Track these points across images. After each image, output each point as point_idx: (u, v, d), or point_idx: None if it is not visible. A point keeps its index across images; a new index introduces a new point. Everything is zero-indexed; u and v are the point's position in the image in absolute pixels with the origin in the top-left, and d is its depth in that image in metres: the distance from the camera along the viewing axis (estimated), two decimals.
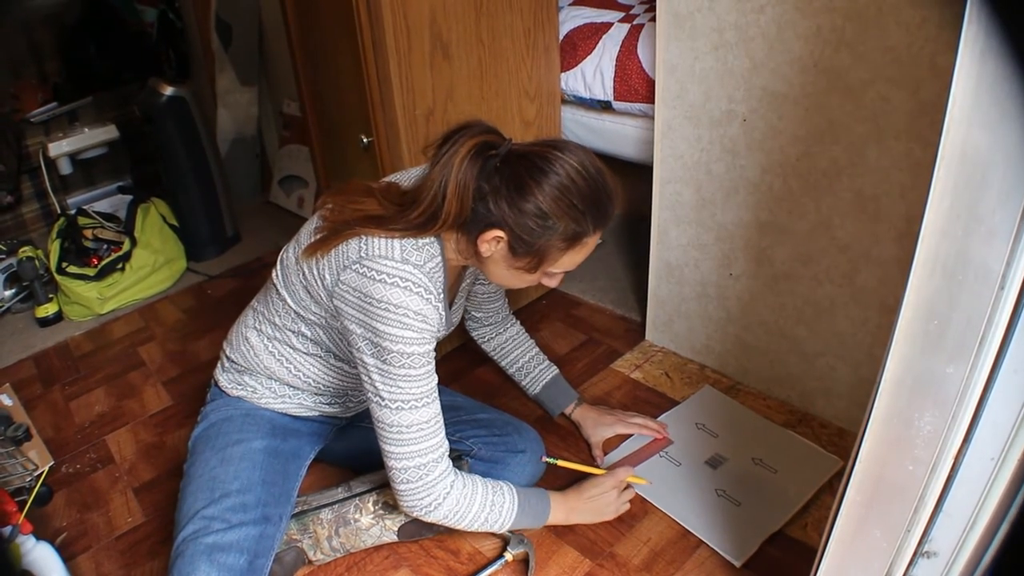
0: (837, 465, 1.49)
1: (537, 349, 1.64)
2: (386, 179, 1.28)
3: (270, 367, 1.35)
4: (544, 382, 1.61)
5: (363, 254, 1.10)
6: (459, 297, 1.39)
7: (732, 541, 1.35)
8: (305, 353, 1.32)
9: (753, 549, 1.33)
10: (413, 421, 1.13)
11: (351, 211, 1.15)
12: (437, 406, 1.17)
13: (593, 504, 1.36)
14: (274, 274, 1.31)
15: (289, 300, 1.27)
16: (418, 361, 1.12)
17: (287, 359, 1.33)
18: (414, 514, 1.19)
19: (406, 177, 1.25)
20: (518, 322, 1.64)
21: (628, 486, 1.43)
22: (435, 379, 1.17)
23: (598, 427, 1.57)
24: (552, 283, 1.21)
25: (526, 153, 1.09)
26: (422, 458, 1.14)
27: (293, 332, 1.30)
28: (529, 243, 1.09)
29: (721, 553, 1.33)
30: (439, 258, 1.16)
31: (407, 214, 1.12)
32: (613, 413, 1.61)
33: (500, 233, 1.09)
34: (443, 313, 1.19)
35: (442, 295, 1.18)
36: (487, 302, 1.55)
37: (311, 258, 1.18)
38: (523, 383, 1.63)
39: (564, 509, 1.34)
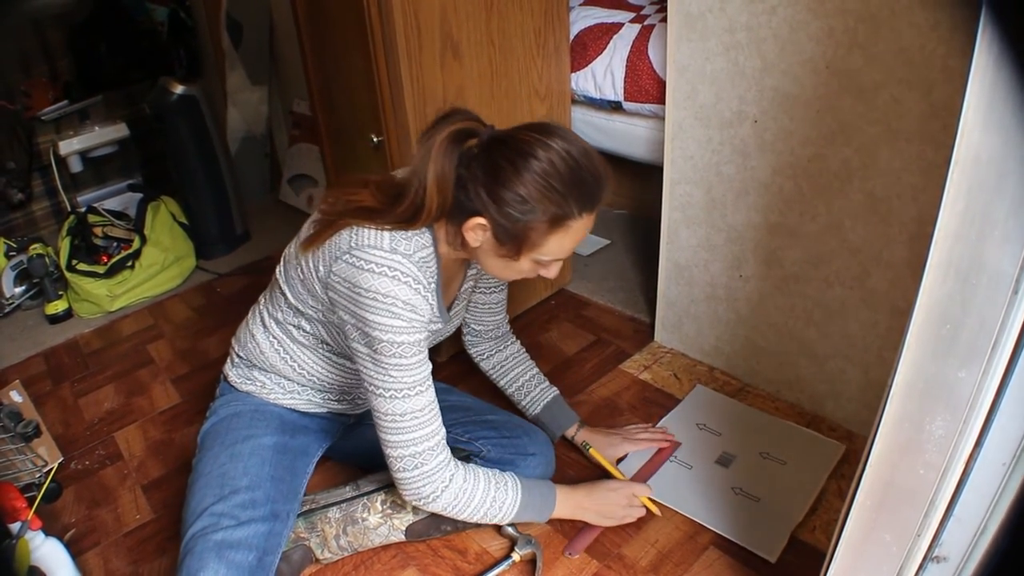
0: (841, 450, 1.52)
1: (537, 369, 1.59)
2: (391, 173, 1.28)
3: (275, 364, 1.35)
4: (545, 402, 1.55)
5: (353, 244, 1.11)
6: (460, 299, 1.38)
7: (762, 538, 1.35)
8: (306, 348, 1.32)
9: (783, 543, 1.33)
10: (407, 409, 1.14)
11: (345, 203, 1.16)
12: (431, 394, 1.17)
13: (601, 507, 1.35)
14: (277, 270, 1.32)
15: (289, 295, 1.28)
16: (408, 350, 1.12)
17: (291, 356, 1.34)
18: (414, 503, 1.20)
19: (406, 170, 1.25)
20: (518, 341, 1.61)
21: (644, 501, 1.39)
22: (428, 367, 1.17)
23: (607, 448, 1.53)
24: (548, 273, 1.19)
25: (505, 138, 1.09)
26: (417, 446, 1.15)
27: (294, 327, 1.31)
28: (510, 229, 1.08)
29: (755, 552, 1.33)
30: (430, 248, 1.16)
31: (395, 208, 1.12)
32: (617, 432, 1.58)
33: (482, 220, 1.09)
34: (433, 303, 1.18)
35: (433, 285, 1.18)
36: (487, 314, 1.52)
37: (307, 251, 1.19)
38: (522, 403, 1.57)
39: (571, 505, 1.33)
